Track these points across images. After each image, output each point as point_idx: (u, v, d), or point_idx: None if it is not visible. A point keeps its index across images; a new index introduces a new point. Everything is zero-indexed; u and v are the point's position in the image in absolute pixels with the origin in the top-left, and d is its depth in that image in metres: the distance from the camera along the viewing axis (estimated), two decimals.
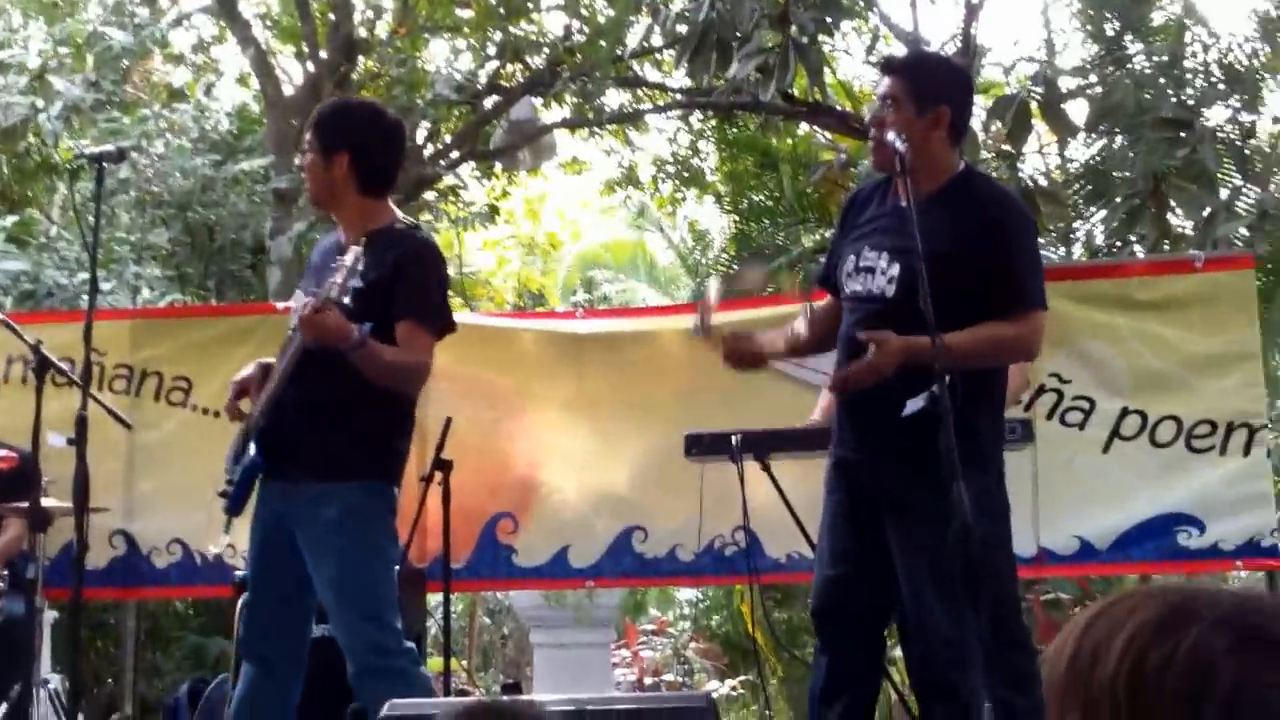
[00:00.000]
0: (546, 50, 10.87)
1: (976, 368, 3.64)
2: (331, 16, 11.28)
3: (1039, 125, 9.05)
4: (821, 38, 8.92)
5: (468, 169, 11.41)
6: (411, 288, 3.82)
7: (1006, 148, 8.78)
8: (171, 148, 9.12)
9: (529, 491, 6.19)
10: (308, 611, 4.06)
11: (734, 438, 4.57)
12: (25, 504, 4.82)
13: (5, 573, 5.15)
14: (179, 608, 9.53)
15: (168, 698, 6.38)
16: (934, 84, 3.86)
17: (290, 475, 3.88)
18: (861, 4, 10.31)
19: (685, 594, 14.16)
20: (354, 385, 3.76)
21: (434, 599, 6.40)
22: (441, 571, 5.45)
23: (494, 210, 11.21)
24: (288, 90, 11.13)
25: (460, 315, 4.26)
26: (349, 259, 3.62)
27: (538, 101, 11.14)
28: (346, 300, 3.62)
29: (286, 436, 3.88)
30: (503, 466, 6.20)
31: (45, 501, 4.85)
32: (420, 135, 10.87)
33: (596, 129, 11.99)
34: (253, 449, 3.92)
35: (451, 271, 10.41)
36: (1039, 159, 10.59)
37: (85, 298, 7.78)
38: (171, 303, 8.42)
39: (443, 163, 11.12)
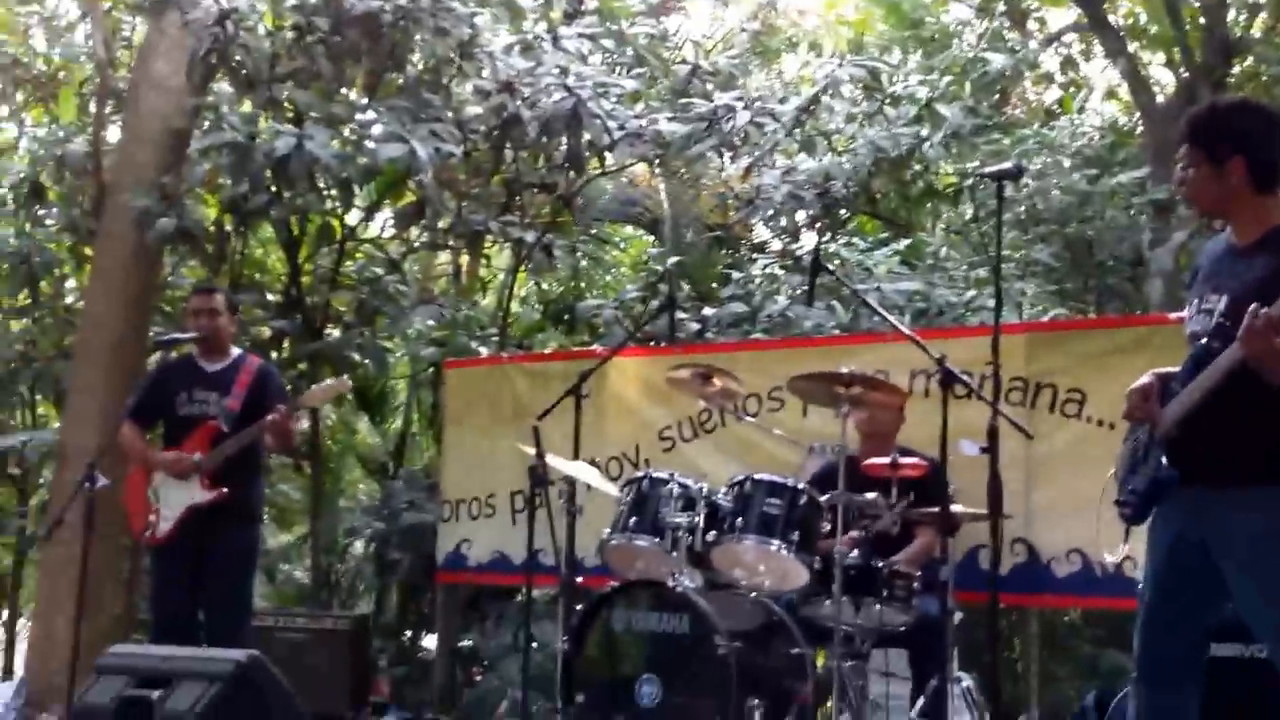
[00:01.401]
0: None
1: None
2: (1203, 20, 10.94)
3: None
4: None
5: None
6: None
7: None
8: (1048, 165, 9.26)
9: None
10: (1208, 628, 3.95)
11: None
12: (936, 509, 5.11)
13: (919, 574, 5.48)
14: (1073, 617, 9.53)
15: (1075, 705, 6.41)
16: None
17: (1207, 482, 3.77)
18: None
19: None
20: (1276, 392, 3.60)
21: None
22: None
23: None
24: (1160, 99, 10.96)
25: None
26: None
27: None
28: None
29: (1204, 446, 3.78)
30: None
31: (953, 507, 5.13)
32: None
33: None
34: (1163, 460, 3.88)
35: None
36: None
37: (971, 314, 8.16)
38: (1055, 317, 8.51)
39: None
